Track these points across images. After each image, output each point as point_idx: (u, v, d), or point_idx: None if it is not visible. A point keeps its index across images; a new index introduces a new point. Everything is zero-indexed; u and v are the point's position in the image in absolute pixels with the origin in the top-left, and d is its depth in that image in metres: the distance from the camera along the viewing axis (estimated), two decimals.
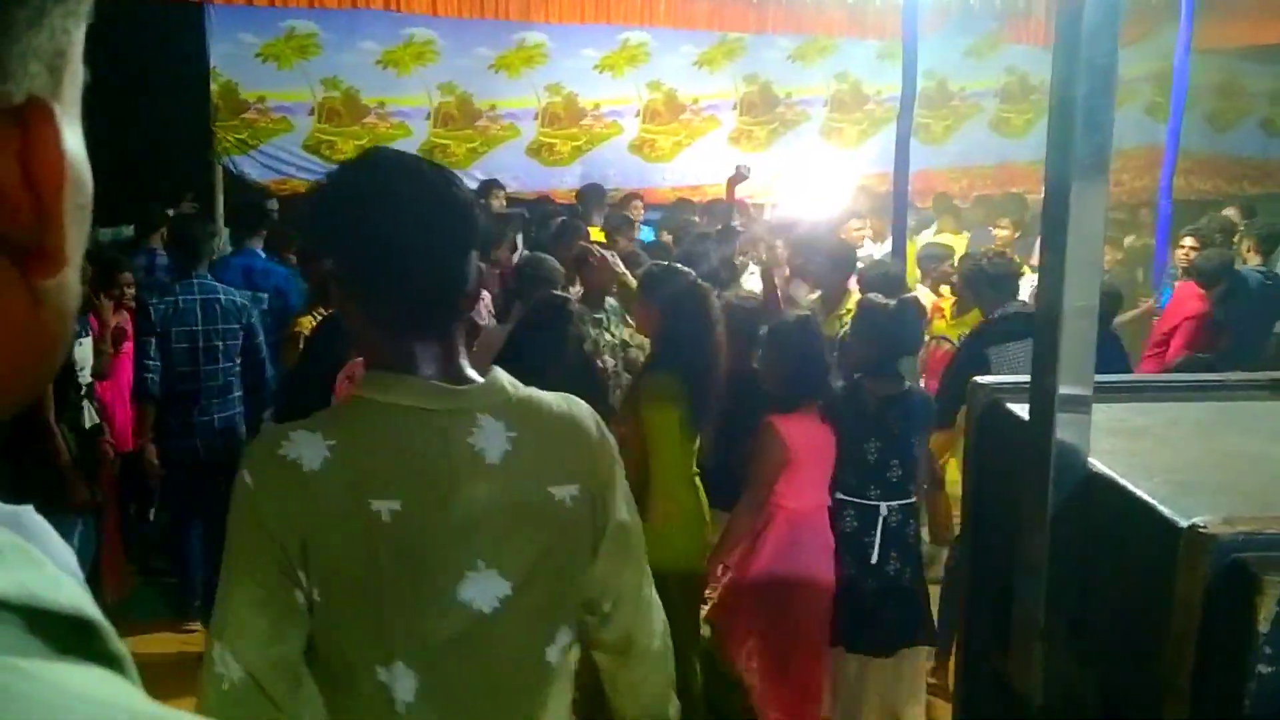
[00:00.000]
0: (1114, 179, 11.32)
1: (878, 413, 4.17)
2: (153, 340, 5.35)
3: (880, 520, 4.14)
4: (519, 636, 1.66)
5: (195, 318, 5.39)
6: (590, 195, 8.93)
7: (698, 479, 4.09)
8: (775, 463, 4.01)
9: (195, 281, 5.45)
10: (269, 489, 1.57)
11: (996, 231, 8.78)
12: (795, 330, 4.23)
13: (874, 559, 4.13)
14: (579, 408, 1.77)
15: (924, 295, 6.33)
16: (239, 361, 5.56)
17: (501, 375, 1.70)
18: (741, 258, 6.57)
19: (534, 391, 1.73)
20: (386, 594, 1.57)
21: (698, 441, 4.08)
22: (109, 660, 0.47)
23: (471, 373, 1.67)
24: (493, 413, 1.64)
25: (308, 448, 1.57)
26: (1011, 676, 2.05)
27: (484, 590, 1.61)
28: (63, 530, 3.71)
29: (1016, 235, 8.55)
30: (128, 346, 5.78)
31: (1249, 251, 7.72)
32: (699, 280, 4.19)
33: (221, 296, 5.48)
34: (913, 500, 4.29)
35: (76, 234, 0.51)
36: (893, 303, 4.32)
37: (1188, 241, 7.56)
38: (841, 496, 4.16)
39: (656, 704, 2.00)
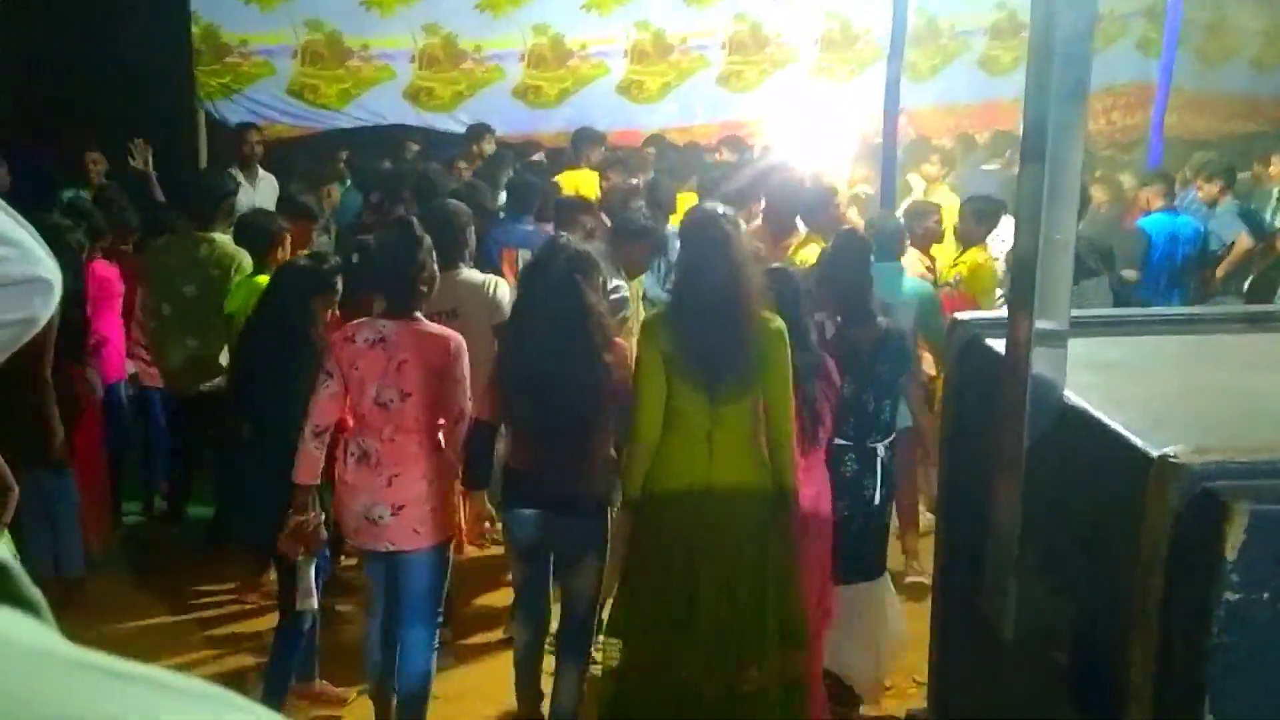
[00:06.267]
0: (1105, 116, 11.28)
1: (869, 359, 4.27)
2: None
3: (879, 462, 4.30)
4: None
5: None
6: (582, 138, 8.88)
7: (714, 442, 3.62)
8: None
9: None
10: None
11: (987, 168, 8.74)
12: (783, 280, 4.02)
13: (876, 500, 4.31)
14: (240, 254, 5.36)
15: (913, 256, 6.10)
16: None
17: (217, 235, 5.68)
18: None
19: (225, 238, 5.59)
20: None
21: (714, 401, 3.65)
22: (22, 604, 0.46)
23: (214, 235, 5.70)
24: (210, 245, 5.61)
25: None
26: (985, 608, 2.08)
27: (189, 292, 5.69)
28: (60, 486, 3.56)
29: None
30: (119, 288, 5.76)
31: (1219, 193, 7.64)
32: (729, 234, 3.72)
33: None
34: (893, 436, 4.42)
35: None
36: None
37: None
38: (841, 442, 4.21)
39: None
